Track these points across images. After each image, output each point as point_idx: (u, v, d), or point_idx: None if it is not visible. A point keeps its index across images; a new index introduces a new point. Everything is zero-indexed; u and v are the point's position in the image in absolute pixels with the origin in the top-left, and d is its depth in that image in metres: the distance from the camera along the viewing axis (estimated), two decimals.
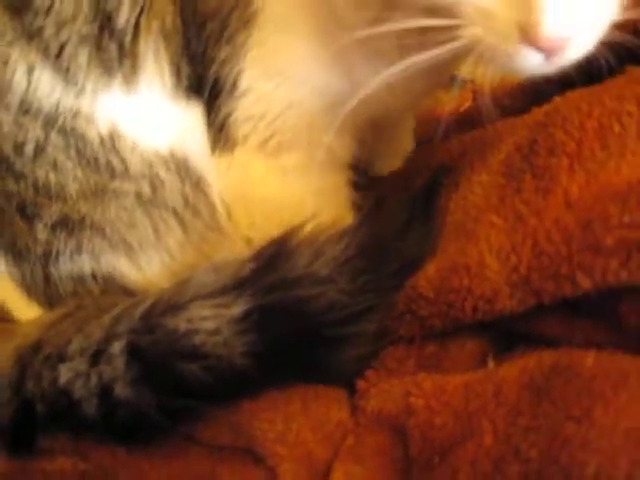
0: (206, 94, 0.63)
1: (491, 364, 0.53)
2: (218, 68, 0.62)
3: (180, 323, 0.54)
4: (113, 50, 0.60)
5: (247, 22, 0.60)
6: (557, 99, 0.57)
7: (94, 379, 0.55)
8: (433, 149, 0.71)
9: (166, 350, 0.54)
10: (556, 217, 0.46)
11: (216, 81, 0.62)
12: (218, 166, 0.66)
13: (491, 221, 0.52)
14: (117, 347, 0.55)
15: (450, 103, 0.84)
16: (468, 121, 0.77)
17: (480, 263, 0.49)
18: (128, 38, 0.60)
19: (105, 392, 0.54)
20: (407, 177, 0.72)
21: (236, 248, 0.66)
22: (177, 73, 0.62)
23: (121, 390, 0.54)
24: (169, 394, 0.54)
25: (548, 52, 0.45)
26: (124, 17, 0.59)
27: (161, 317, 0.55)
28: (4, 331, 0.64)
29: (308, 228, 0.58)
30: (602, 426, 0.41)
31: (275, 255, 0.56)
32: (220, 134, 0.64)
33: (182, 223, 0.66)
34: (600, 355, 0.45)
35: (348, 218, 0.68)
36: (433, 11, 0.47)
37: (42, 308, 0.66)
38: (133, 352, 0.54)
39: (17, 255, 0.65)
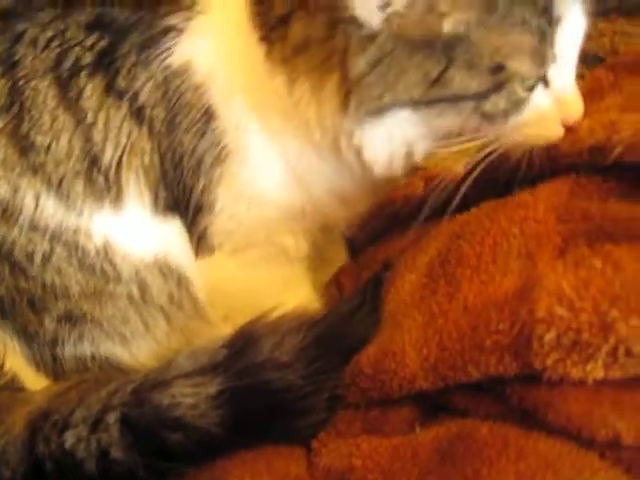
0: (190, 213, 0.75)
1: (418, 429, 0.64)
2: (198, 195, 0.74)
3: (164, 398, 0.66)
4: (101, 182, 0.73)
5: (219, 160, 0.73)
6: (473, 210, 0.69)
7: (94, 443, 0.66)
8: (380, 244, 0.83)
9: (153, 421, 0.66)
10: (456, 319, 0.59)
11: (196, 204, 0.75)
12: (200, 267, 0.78)
13: (413, 316, 0.64)
14: (112, 417, 0.67)
15: (404, 189, 0.96)
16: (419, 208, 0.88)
17: (402, 351, 0.62)
18: (112, 172, 0.73)
19: (103, 454, 0.66)
20: (359, 267, 0.85)
21: (215, 331, 0.78)
22: (155, 197, 0.74)
23: (116, 453, 0.66)
24: (155, 457, 0.65)
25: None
26: (108, 157, 0.72)
27: (148, 393, 0.67)
28: (18, 399, 0.76)
29: (272, 316, 0.71)
30: None
31: (244, 343, 0.69)
32: (200, 242, 0.77)
33: (167, 317, 0.78)
34: (493, 426, 0.57)
35: (311, 297, 0.83)
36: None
37: (49, 380, 0.79)
38: (125, 422, 0.66)
39: (28, 338, 0.77)
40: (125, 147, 0.72)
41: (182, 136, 0.72)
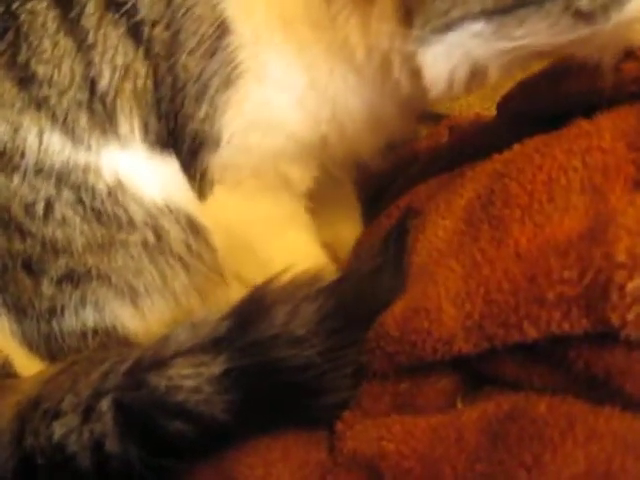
0: (186, 148, 0.67)
1: (459, 404, 0.55)
2: (197, 126, 0.66)
3: (162, 380, 0.57)
4: (101, 111, 0.66)
5: (229, 82, 0.65)
6: (516, 147, 0.59)
7: (86, 434, 0.58)
8: (401, 190, 0.73)
9: (150, 407, 0.57)
10: (506, 268, 0.48)
11: (195, 136, 0.67)
12: (205, 208, 0.70)
13: (450, 266, 0.54)
14: (105, 404, 0.58)
15: (427, 138, 0.87)
16: (444, 156, 0.79)
17: (438, 307, 0.51)
18: (109, 100, 0.65)
19: (97, 447, 0.57)
20: (378, 217, 0.74)
21: (232, 293, 0.70)
22: (145, 127, 0.67)
23: (111, 445, 0.57)
24: (154, 448, 0.56)
25: None
26: (105, 83, 0.65)
27: (144, 373, 0.58)
28: (6, 387, 0.67)
29: (283, 280, 0.61)
30: (550, 473, 0.43)
31: (252, 313, 0.59)
32: (202, 182, 0.69)
33: (186, 267, 0.71)
34: (552, 401, 0.47)
35: (320, 256, 0.74)
36: None
37: (44, 363, 0.70)
38: (119, 409, 0.57)
39: (20, 311, 0.69)
40: (120, 70, 0.65)
41: (187, 57, 0.65)
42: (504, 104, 0.73)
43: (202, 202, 0.70)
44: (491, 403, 0.50)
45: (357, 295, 0.60)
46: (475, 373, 0.54)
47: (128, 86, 0.65)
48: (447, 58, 0.59)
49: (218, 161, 0.68)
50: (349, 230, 0.83)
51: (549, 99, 0.63)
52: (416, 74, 0.62)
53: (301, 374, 0.57)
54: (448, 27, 0.57)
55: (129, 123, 0.66)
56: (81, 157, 0.66)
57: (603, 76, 0.55)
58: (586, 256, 0.43)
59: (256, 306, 0.60)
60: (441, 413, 0.54)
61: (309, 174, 0.73)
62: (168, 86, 0.66)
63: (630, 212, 0.43)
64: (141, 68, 0.65)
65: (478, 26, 0.56)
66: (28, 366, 0.70)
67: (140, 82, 0.65)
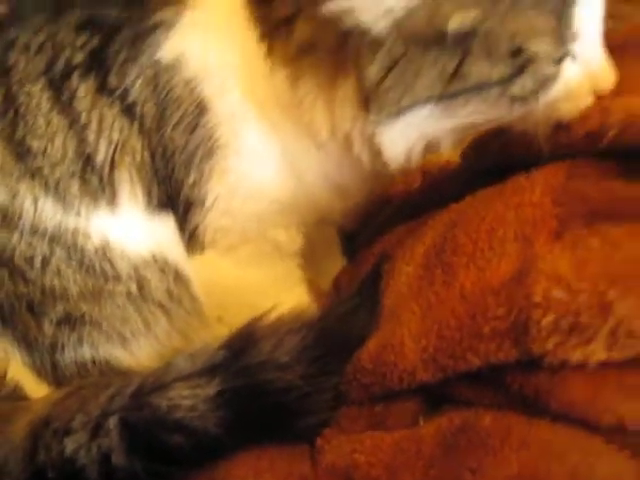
0: (180, 209, 0.75)
1: (421, 422, 0.63)
2: (188, 190, 0.74)
3: (163, 401, 0.65)
4: (95, 181, 0.73)
5: (210, 154, 0.72)
6: (468, 198, 0.69)
7: (94, 449, 0.65)
8: (375, 234, 0.83)
9: (152, 424, 0.65)
10: (453, 308, 0.58)
11: (186, 200, 0.75)
12: (193, 265, 0.77)
13: (411, 308, 0.63)
14: (112, 422, 0.66)
15: (402, 182, 0.96)
16: (414, 202, 0.88)
17: (402, 343, 0.61)
18: (106, 171, 0.72)
19: (104, 460, 0.65)
20: (355, 259, 0.84)
21: (213, 332, 0.77)
22: (149, 195, 0.74)
23: (117, 458, 0.65)
24: (156, 461, 0.64)
25: None
26: (101, 156, 0.72)
27: (147, 396, 0.66)
28: (19, 408, 0.75)
29: (271, 317, 0.69)
30: (489, 475, 0.52)
31: (243, 344, 0.68)
32: (192, 240, 0.76)
33: (167, 314, 0.78)
34: (496, 415, 0.56)
35: (306, 298, 0.82)
36: None
37: (50, 387, 0.78)
38: (125, 426, 0.65)
39: (28, 345, 0.77)
40: (117, 145, 0.72)
41: (172, 131, 0.72)
42: (461, 157, 0.83)
43: (192, 258, 0.77)
44: (445, 418, 0.59)
45: (336, 330, 0.69)
46: (435, 395, 0.63)
47: (127, 159, 0.73)
48: (403, 137, 0.66)
49: (207, 223, 0.75)
50: (331, 265, 0.90)
51: (497, 157, 0.73)
52: (376, 152, 0.68)
53: (285, 395, 0.65)
54: (401, 112, 0.63)
55: (131, 192, 0.74)
56: (71, 221, 0.73)
57: (539, 143, 0.65)
58: (513, 296, 0.53)
59: (246, 338, 0.68)
60: (406, 429, 0.62)
61: (296, 234, 0.80)
62: (160, 156, 0.73)
63: (548, 259, 0.52)
64: (137, 142, 0.73)
65: (428, 109, 0.63)
66: (37, 390, 0.78)
67: (138, 155, 0.73)
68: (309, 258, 0.86)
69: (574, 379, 0.51)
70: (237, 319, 0.72)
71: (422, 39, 0.61)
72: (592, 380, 0.51)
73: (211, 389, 0.65)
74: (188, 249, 0.77)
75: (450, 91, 0.62)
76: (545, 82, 0.62)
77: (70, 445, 0.66)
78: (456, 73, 0.61)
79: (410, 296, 0.65)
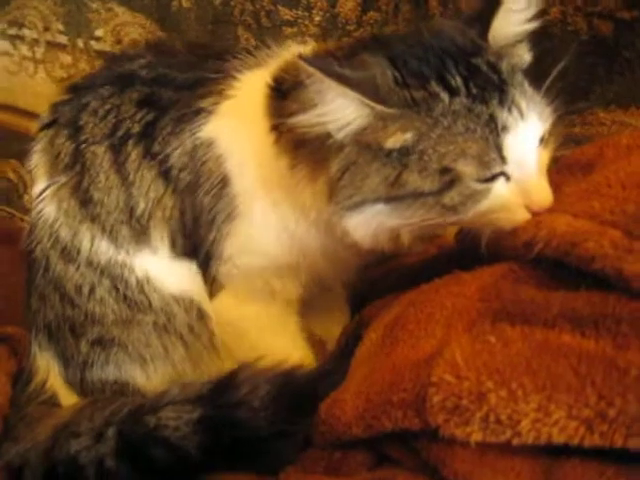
0: (202, 259, 0.89)
1: (363, 474, 0.73)
2: (209, 245, 0.87)
3: (153, 419, 0.78)
4: (138, 228, 0.88)
5: (230, 218, 0.85)
6: (436, 280, 0.78)
7: (93, 452, 0.79)
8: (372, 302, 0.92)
9: (142, 438, 0.78)
10: (383, 376, 0.66)
11: (208, 252, 0.88)
12: (213, 305, 0.91)
13: (361, 370, 0.72)
14: (111, 432, 0.79)
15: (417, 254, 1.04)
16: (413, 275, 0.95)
17: (344, 400, 0.69)
18: (144, 221, 0.88)
19: (99, 462, 0.78)
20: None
21: (225, 365, 0.90)
22: (173, 244, 0.88)
23: (110, 462, 0.78)
24: (143, 469, 0.78)
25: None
26: (141, 209, 0.87)
27: (143, 414, 0.80)
28: (51, 413, 0.90)
29: (258, 364, 0.81)
30: None
31: (226, 384, 0.80)
32: (212, 284, 0.90)
33: (185, 344, 0.92)
34: (407, 477, 0.65)
35: (295, 337, 0.93)
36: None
37: (78, 397, 0.94)
38: (120, 436, 0.79)
39: (65, 360, 0.93)
40: (153, 201, 0.87)
41: (203, 196, 0.85)
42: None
43: (212, 300, 0.91)
44: (369, 474, 0.69)
45: (304, 387, 0.79)
46: (378, 452, 0.72)
47: (159, 213, 0.87)
48: (366, 226, 0.75)
49: (222, 272, 0.88)
50: (337, 327, 1.00)
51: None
52: (348, 234, 0.77)
53: (254, 433, 0.77)
54: (355, 207, 0.73)
55: (160, 239, 0.88)
56: (120, 257, 0.88)
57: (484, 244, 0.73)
58: (420, 374, 0.61)
59: (230, 379, 0.80)
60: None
61: (293, 287, 0.90)
62: (189, 215, 0.86)
63: (453, 346, 0.61)
64: (169, 201, 0.87)
65: (380, 206, 0.73)
66: (68, 399, 0.94)
67: (168, 211, 0.87)
68: (316, 314, 0.98)
69: (460, 454, 0.59)
70: (242, 356, 0.85)
71: (372, 150, 0.71)
72: (473, 457, 0.59)
73: (194, 415, 0.78)
74: (210, 292, 0.90)
75: (392, 195, 0.72)
76: (473, 197, 0.71)
77: (75, 446, 0.80)
78: (396, 182, 0.71)
79: (365, 360, 0.74)
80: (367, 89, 0.69)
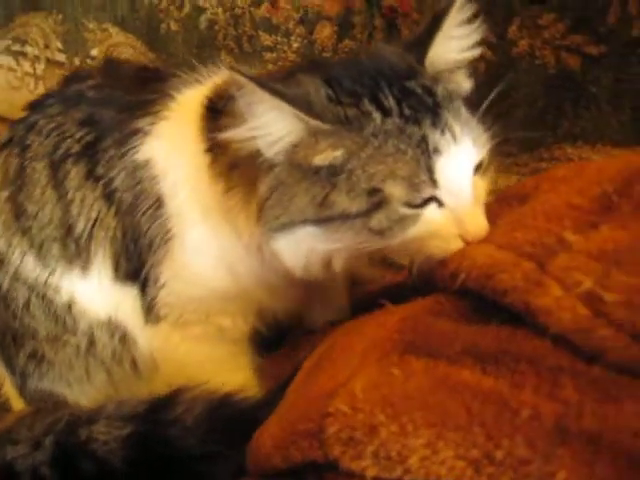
0: (141, 283, 0.88)
1: None
2: (148, 268, 0.86)
3: (85, 432, 0.79)
4: (73, 248, 0.87)
5: (165, 242, 0.85)
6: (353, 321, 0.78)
7: (30, 460, 0.80)
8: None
9: (74, 449, 0.79)
10: (297, 405, 0.66)
11: (146, 276, 0.87)
12: (148, 334, 0.90)
13: (287, 399, 0.71)
14: (48, 441, 0.80)
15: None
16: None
17: (266, 430, 0.68)
18: (83, 241, 0.87)
19: (35, 470, 0.79)
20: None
21: (150, 388, 0.89)
22: (116, 266, 0.88)
23: (45, 471, 0.79)
24: (70, 477, 0.79)
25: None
26: (80, 228, 0.87)
27: (77, 426, 0.81)
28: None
29: (197, 388, 0.81)
30: None
31: (162, 403, 0.80)
32: (149, 311, 0.89)
33: (107, 370, 0.92)
34: None
35: (246, 378, 0.91)
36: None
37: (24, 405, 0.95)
38: (56, 446, 0.80)
39: (12, 369, 0.95)
40: (95, 221, 0.87)
41: (140, 218, 0.84)
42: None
43: (149, 328, 0.89)
44: None
45: (242, 414, 0.79)
46: None
47: (102, 234, 0.86)
48: (295, 249, 0.74)
49: (158, 299, 0.87)
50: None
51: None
52: (278, 259, 0.76)
53: (184, 452, 0.76)
54: (282, 228, 0.72)
55: (102, 262, 0.87)
56: (46, 277, 0.88)
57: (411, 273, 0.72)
58: (324, 403, 0.59)
59: (167, 399, 0.80)
60: None
61: (242, 324, 0.89)
62: (130, 237, 0.86)
63: (358, 378, 0.59)
64: (112, 221, 0.86)
65: (309, 229, 0.72)
66: (18, 404, 0.96)
67: (111, 232, 0.86)
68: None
69: None
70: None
71: (301, 169, 0.71)
72: None
73: (124, 431, 0.78)
74: (146, 319, 0.90)
75: (321, 217, 0.71)
76: (401, 221, 0.70)
77: (12, 453, 0.81)
78: (323, 202, 0.71)
79: (292, 390, 0.73)
80: (301, 104, 0.69)
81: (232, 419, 0.78)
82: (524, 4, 0.91)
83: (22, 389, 0.95)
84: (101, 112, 0.88)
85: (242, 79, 0.68)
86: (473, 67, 0.78)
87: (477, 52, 0.75)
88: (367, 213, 0.70)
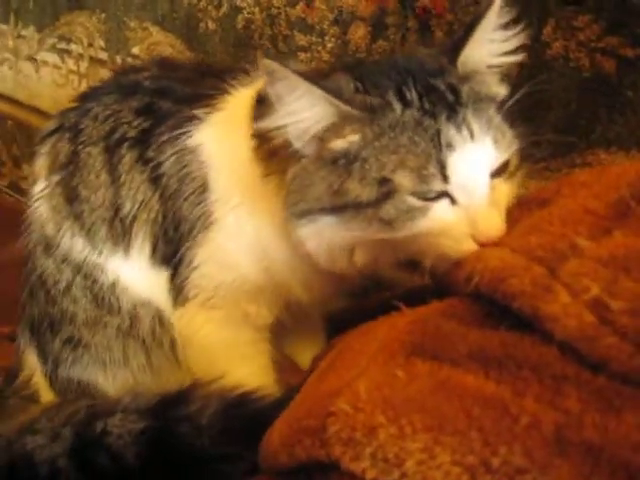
0: (174, 264, 0.89)
1: None
2: (184, 251, 0.87)
3: (100, 425, 0.80)
4: (119, 229, 0.90)
5: (206, 227, 0.86)
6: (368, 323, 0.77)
7: (47, 451, 0.81)
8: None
9: (90, 441, 0.80)
10: (305, 403, 0.66)
11: (181, 257, 0.89)
12: (176, 314, 0.92)
13: (295, 399, 0.71)
14: (67, 432, 0.81)
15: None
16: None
17: (275, 428, 0.68)
18: (127, 222, 0.90)
19: (52, 461, 0.80)
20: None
21: (185, 377, 0.90)
22: (154, 249, 0.90)
23: (62, 462, 0.80)
24: (87, 472, 0.79)
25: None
26: (127, 210, 0.89)
27: (94, 418, 0.81)
28: (26, 409, 0.94)
29: (212, 384, 0.81)
30: None
31: (176, 398, 0.80)
32: (178, 292, 0.90)
33: (147, 351, 0.93)
34: None
35: (262, 367, 0.92)
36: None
37: (54, 395, 0.97)
38: (75, 437, 0.80)
39: (44, 357, 0.97)
40: (141, 204, 0.89)
41: (182, 202, 0.86)
42: None
43: (176, 309, 0.90)
44: None
45: (258, 410, 0.79)
46: None
47: (144, 216, 0.89)
48: (318, 238, 0.75)
49: (190, 280, 0.88)
50: (311, 345, 1.01)
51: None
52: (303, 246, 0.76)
53: (196, 450, 0.77)
54: (303, 215, 0.73)
55: (141, 241, 0.89)
56: (94, 258, 0.90)
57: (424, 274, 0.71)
58: (329, 402, 0.59)
59: (181, 394, 0.81)
60: None
61: (267, 313, 0.90)
62: (170, 220, 0.88)
63: (362, 377, 0.58)
64: (155, 205, 0.88)
65: (328, 218, 0.72)
66: (47, 395, 0.97)
67: (152, 214, 0.88)
68: (291, 339, 0.97)
69: None
70: (201, 372, 0.86)
71: (322, 159, 0.72)
72: None
73: (138, 425, 0.79)
74: (175, 301, 0.91)
75: (335, 205, 0.72)
76: (409, 212, 0.69)
77: (31, 443, 0.82)
78: (339, 190, 0.71)
79: (304, 388, 0.73)
80: (333, 89, 0.70)
81: (247, 419, 0.78)
82: (559, 5, 0.88)
83: (52, 378, 0.96)
84: (159, 102, 0.90)
85: (275, 65, 0.68)
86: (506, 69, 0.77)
87: (516, 58, 0.75)
88: (377, 203, 0.70)
